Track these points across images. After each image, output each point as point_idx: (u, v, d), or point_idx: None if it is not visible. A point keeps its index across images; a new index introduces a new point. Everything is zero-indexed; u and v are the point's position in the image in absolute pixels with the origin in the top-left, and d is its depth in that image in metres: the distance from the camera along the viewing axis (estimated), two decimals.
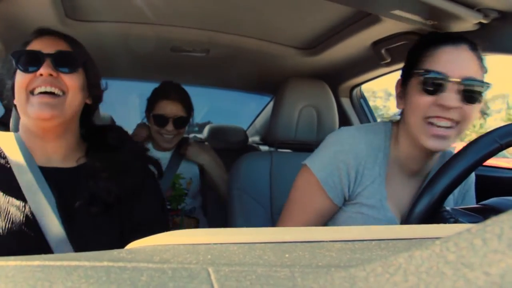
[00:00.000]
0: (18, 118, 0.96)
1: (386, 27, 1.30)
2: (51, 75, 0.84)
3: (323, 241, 0.37)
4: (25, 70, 0.86)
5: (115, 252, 0.30)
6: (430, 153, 0.88)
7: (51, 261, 0.25)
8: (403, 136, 0.90)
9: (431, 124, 0.82)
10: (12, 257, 0.25)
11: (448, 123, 0.81)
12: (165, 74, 2.17)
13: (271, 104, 2.46)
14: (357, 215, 0.90)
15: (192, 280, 0.24)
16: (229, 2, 1.27)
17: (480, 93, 0.82)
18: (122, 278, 0.23)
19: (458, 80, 0.80)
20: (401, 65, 1.57)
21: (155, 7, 1.29)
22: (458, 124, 0.82)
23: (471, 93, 0.81)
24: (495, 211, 0.81)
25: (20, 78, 0.86)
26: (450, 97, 0.80)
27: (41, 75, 0.84)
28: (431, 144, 0.82)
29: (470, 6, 0.99)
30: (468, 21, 1.04)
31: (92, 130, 1.01)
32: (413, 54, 0.91)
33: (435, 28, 1.12)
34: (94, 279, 0.23)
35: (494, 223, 0.18)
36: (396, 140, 0.92)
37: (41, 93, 0.84)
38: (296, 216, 0.96)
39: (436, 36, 0.88)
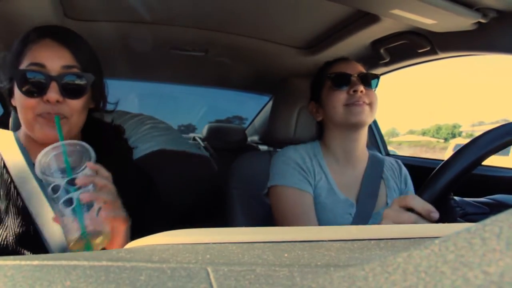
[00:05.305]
0: (17, 118, 0.94)
1: (385, 27, 1.30)
2: (58, 101, 0.79)
3: (322, 241, 0.37)
4: (29, 95, 0.79)
5: (114, 252, 0.30)
6: (353, 137, 1.14)
7: (50, 261, 0.25)
8: (330, 136, 1.18)
9: (350, 105, 1.09)
10: (11, 257, 0.25)
11: (361, 103, 1.09)
12: (164, 73, 2.17)
13: (270, 103, 2.46)
14: (318, 205, 1.09)
15: (191, 279, 0.24)
16: (228, 2, 1.27)
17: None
18: (121, 277, 0.23)
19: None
20: (400, 64, 1.58)
21: (154, 7, 1.28)
22: (369, 104, 1.10)
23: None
24: (502, 205, 0.82)
25: (23, 101, 0.80)
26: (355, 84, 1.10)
27: (47, 101, 0.79)
28: (355, 118, 1.09)
29: (469, 6, 0.99)
30: (467, 20, 1.04)
31: (90, 126, 0.96)
32: (321, 71, 1.22)
33: (434, 27, 1.12)
34: (93, 278, 0.23)
35: (492, 223, 0.18)
36: (325, 145, 1.19)
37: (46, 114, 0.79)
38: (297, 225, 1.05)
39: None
